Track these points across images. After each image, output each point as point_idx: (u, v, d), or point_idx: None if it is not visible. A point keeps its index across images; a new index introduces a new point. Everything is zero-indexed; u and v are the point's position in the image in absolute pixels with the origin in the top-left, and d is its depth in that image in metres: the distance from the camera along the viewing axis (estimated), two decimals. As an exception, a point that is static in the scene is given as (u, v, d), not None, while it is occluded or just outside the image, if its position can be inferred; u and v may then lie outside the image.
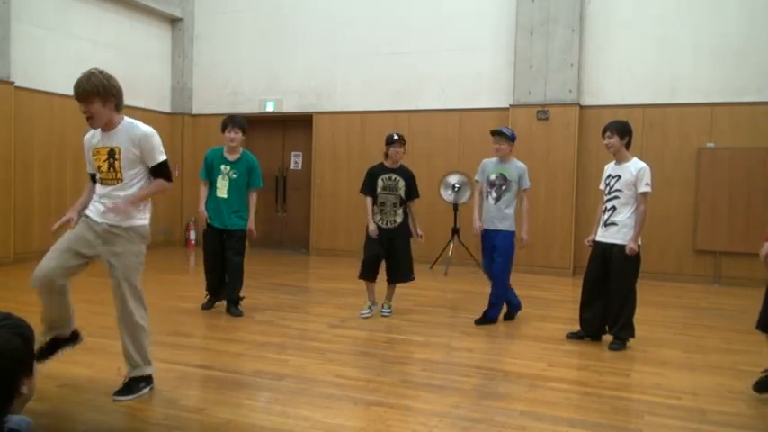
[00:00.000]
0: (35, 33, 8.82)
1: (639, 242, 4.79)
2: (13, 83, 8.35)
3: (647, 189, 4.75)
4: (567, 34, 8.72)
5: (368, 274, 5.81)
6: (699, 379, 4.09)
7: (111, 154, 3.40)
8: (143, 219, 3.52)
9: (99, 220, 3.44)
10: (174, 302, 6.25)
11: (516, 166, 5.53)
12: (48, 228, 9.31)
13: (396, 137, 5.71)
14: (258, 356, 4.39)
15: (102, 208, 3.44)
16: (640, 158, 4.97)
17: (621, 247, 4.76)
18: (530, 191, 5.75)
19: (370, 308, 5.84)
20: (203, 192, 5.81)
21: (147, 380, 3.54)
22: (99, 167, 3.46)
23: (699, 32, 8.33)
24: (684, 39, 8.40)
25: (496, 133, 5.57)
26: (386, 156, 5.77)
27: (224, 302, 5.95)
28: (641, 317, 5.03)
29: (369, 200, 5.77)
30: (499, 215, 5.49)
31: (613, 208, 4.84)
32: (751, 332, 5.54)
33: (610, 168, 4.97)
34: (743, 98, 8.13)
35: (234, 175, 5.68)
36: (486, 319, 5.56)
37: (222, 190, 5.66)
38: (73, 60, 9.43)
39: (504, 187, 5.52)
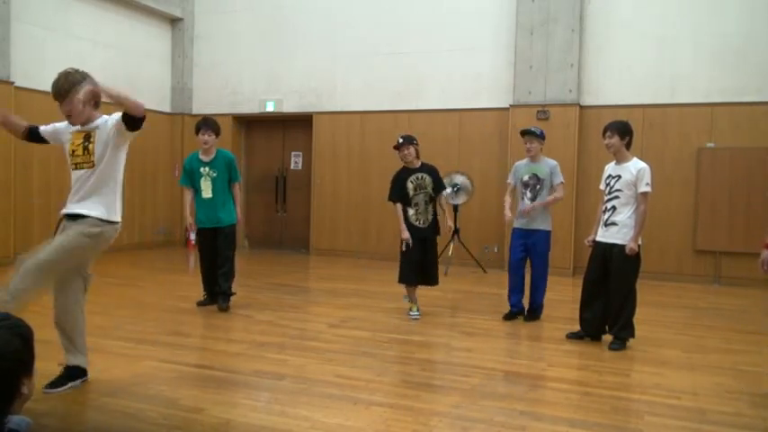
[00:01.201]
0: (35, 33, 8.82)
1: (640, 242, 4.79)
2: (13, 83, 8.35)
3: (648, 189, 4.75)
4: (567, 34, 8.72)
5: (410, 278, 5.78)
6: (699, 379, 4.09)
7: (87, 137, 3.51)
8: (98, 212, 3.50)
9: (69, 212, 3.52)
10: (174, 302, 6.25)
11: (548, 164, 5.61)
12: (48, 228, 9.29)
13: (400, 140, 5.78)
14: (258, 356, 4.39)
15: (74, 198, 3.52)
16: (640, 158, 4.97)
17: (622, 246, 4.76)
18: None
19: (418, 309, 5.82)
20: (187, 198, 5.95)
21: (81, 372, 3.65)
22: (73, 152, 3.53)
23: (699, 32, 8.33)
24: (684, 39, 8.40)
25: (527, 133, 5.61)
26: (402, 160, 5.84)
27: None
28: (641, 317, 5.03)
29: (398, 206, 5.77)
30: (536, 215, 5.56)
31: (613, 208, 4.83)
32: (751, 332, 5.56)
33: (610, 168, 4.96)
34: (743, 98, 8.13)
35: (214, 174, 5.81)
36: (535, 315, 5.73)
37: (207, 191, 5.80)
38: (73, 60, 9.34)
39: (538, 186, 5.57)
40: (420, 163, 5.82)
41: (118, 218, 3.59)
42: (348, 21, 10.14)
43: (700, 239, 8.33)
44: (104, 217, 3.50)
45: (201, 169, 5.81)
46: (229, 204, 5.91)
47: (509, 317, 5.75)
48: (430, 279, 5.81)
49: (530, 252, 5.66)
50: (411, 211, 5.76)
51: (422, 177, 5.76)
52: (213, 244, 5.88)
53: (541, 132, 5.64)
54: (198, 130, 5.81)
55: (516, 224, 5.71)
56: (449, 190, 8.93)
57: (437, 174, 5.86)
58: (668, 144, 8.45)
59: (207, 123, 5.81)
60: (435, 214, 5.83)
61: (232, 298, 5.96)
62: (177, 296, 6.56)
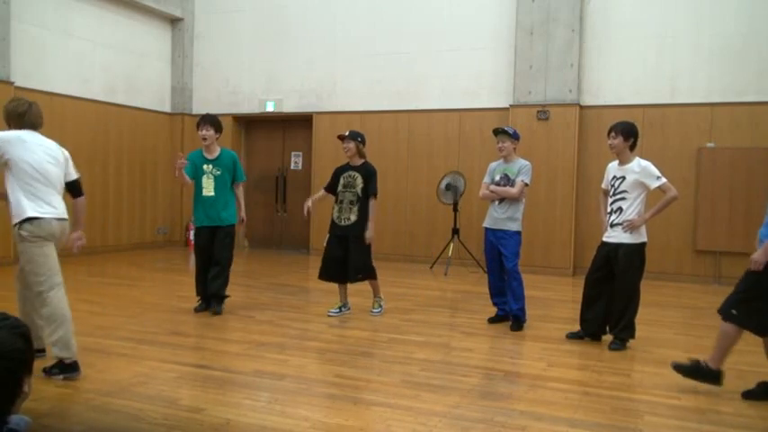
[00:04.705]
0: (35, 33, 8.82)
1: (645, 240, 4.80)
2: (13, 83, 8.35)
3: (663, 180, 4.74)
4: (567, 34, 8.72)
5: (325, 274, 5.81)
6: (699, 379, 4.09)
7: None
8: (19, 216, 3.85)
9: None
10: (174, 302, 6.25)
11: (519, 164, 5.48)
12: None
13: (346, 133, 5.81)
14: (258, 356, 4.39)
15: None
16: (641, 158, 4.95)
17: (627, 246, 4.75)
18: (529, 190, 5.72)
19: (339, 308, 5.83)
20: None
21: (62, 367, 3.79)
22: None
23: (699, 32, 8.33)
24: (684, 39, 8.40)
25: (498, 132, 5.55)
26: None
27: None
28: (641, 317, 5.02)
29: (321, 191, 5.97)
30: (503, 215, 5.46)
31: (620, 209, 4.82)
32: (751, 332, 5.55)
33: (613, 169, 4.94)
34: (743, 98, 8.14)
35: (217, 173, 5.71)
36: (516, 325, 5.43)
37: (209, 188, 5.69)
38: (73, 60, 9.44)
39: (508, 187, 5.49)
40: (361, 162, 5.78)
41: (31, 214, 3.79)
42: (348, 21, 10.14)
43: (700, 239, 8.34)
44: (16, 221, 3.82)
45: (204, 166, 5.70)
46: (231, 204, 5.81)
47: (493, 320, 5.63)
48: (350, 276, 5.73)
49: (501, 252, 5.48)
50: (335, 208, 5.82)
51: (353, 176, 5.74)
52: (210, 244, 5.77)
53: (514, 132, 5.52)
54: (197, 126, 5.73)
55: (485, 223, 5.60)
56: (446, 191, 8.95)
57: (371, 177, 5.72)
58: (668, 144, 8.45)
59: (205, 119, 5.71)
60: (362, 216, 5.68)
61: (226, 300, 5.84)
62: (177, 296, 6.56)
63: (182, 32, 11.20)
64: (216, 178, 5.70)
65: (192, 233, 11.13)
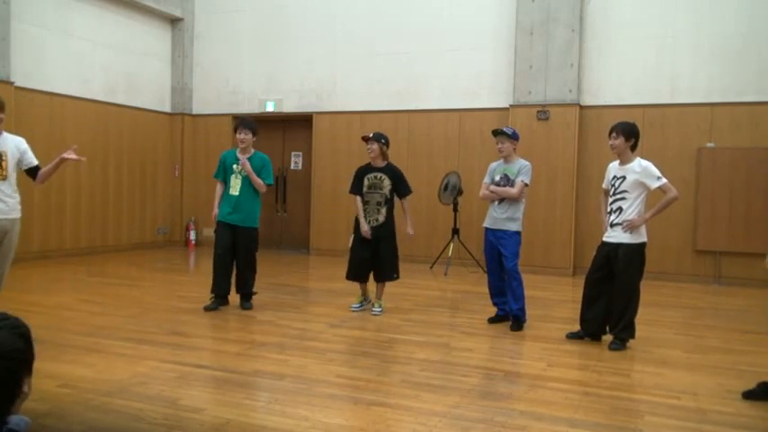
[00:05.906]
0: (35, 33, 8.82)
1: (645, 240, 4.80)
2: (13, 83, 8.35)
3: (663, 180, 4.73)
4: (567, 34, 8.72)
5: (355, 275, 5.93)
6: (699, 379, 4.09)
7: (0, 156, 4.53)
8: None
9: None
10: (174, 302, 6.25)
11: (518, 164, 5.47)
12: (47, 228, 9.33)
13: (370, 135, 5.86)
14: (258, 356, 4.39)
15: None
16: (642, 158, 4.95)
17: (627, 246, 4.75)
18: (529, 190, 5.72)
19: (361, 303, 5.94)
20: (218, 192, 5.97)
21: None
22: None
23: (699, 32, 8.33)
24: (684, 39, 8.40)
25: (497, 133, 5.55)
26: None
27: (226, 303, 5.97)
28: (641, 317, 5.02)
29: (358, 199, 5.88)
30: (503, 215, 5.46)
31: (620, 209, 4.82)
32: (751, 332, 5.56)
33: (614, 169, 4.94)
34: (743, 98, 8.14)
35: (245, 174, 5.84)
36: (516, 325, 5.41)
37: (235, 188, 5.83)
38: (73, 60, 9.44)
39: (507, 187, 5.48)
40: (385, 163, 5.85)
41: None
42: (348, 21, 10.14)
43: (700, 239, 8.34)
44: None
45: (235, 166, 5.85)
46: (256, 207, 5.92)
47: (493, 320, 5.63)
48: (380, 275, 5.89)
49: (500, 253, 5.48)
50: (361, 209, 5.86)
51: (379, 177, 5.80)
52: (228, 242, 5.86)
53: (513, 132, 5.51)
54: (236, 129, 5.92)
55: (485, 223, 5.60)
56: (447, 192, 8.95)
57: (400, 177, 5.83)
58: (668, 144, 8.45)
59: (244, 123, 5.90)
60: (389, 217, 5.80)
61: (251, 295, 6.02)
62: (177, 296, 6.56)
63: (182, 32, 11.20)
64: (243, 179, 5.83)
65: (191, 233, 11.19)
